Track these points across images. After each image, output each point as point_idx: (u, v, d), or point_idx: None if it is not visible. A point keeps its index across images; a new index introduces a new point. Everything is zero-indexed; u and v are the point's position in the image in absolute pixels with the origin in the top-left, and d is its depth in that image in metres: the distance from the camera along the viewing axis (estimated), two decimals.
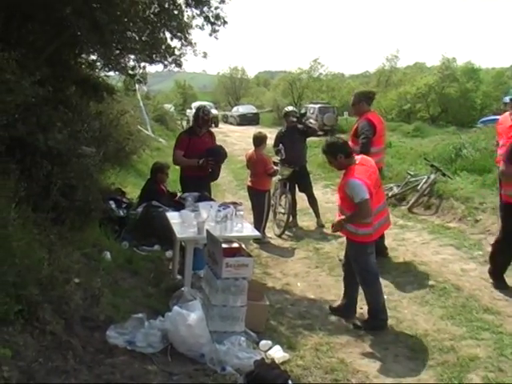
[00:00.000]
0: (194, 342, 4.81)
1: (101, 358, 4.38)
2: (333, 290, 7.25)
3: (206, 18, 9.79)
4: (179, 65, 10.49)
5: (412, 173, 12.75)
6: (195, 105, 51.85)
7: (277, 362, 4.99)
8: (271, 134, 11.52)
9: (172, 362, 4.67)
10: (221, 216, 6.31)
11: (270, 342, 5.49)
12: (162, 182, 9.19)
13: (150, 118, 28.03)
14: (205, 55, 10.61)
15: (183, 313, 4.86)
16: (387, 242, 8.46)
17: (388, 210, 6.70)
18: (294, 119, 10.69)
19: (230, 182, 16.54)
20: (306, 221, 10.87)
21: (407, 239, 9.43)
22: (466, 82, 41.94)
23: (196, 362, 4.75)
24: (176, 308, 4.98)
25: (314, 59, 57.60)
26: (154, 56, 10.01)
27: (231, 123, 51.18)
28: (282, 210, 10.37)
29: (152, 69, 12.02)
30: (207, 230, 5.84)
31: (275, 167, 9.57)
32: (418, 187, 11.77)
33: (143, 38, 9.36)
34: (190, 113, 45.02)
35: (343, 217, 6.06)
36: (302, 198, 11.00)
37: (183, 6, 9.55)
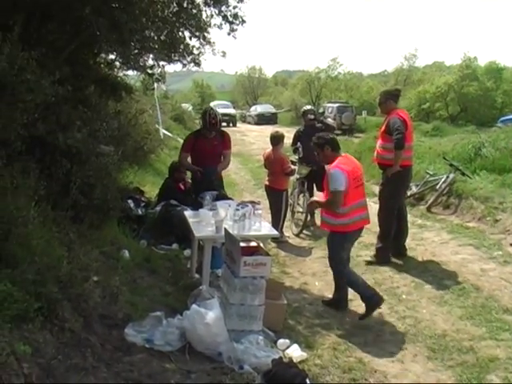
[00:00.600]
0: (211, 340, 4.81)
1: (119, 355, 4.40)
2: (350, 290, 7.22)
3: (225, 17, 9.77)
4: (198, 64, 10.47)
5: (431, 172, 12.66)
6: (213, 104, 52.00)
7: (294, 360, 4.99)
8: (289, 134, 11.50)
9: (190, 361, 4.69)
10: (239, 215, 6.31)
11: (287, 341, 5.49)
12: (179, 181, 9.22)
13: (168, 118, 28.07)
14: (223, 54, 10.60)
15: (201, 311, 4.86)
16: (406, 242, 8.44)
17: (368, 207, 6.84)
18: (312, 116, 10.68)
19: (248, 181, 16.55)
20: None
21: (426, 239, 9.39)
22: (486, 81, 41.63)
23: (214, 361, 4.76)
24: (194, 306, 4.99)
25: (333, 58, 57.63)
26: (172, 55, 10.00)
27: (249, 122, 51.24)
28: (300, 209, 10.36)
29: (170, 68, 12.06)
30: (225, 229, 5.85)
31: (293, 166, 9.56)
32: (437, 186, 11.70)
33: (162, 37, 9.36)
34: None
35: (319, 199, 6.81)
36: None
37: (202, 5, 9.53)
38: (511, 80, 43.69)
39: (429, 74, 51.16)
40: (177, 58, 10.20)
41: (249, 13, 9.93)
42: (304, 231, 10.07)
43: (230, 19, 9.78)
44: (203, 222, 6.70)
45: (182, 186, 9.24)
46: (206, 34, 9.90)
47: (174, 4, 9.03)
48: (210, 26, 9.90)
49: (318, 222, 10.63)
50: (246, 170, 18.76)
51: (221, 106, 50.80)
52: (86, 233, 6.17)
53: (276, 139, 9.51)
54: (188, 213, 7.28)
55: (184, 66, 10.53)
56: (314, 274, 7.83)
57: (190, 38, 9.90)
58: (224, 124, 45.00)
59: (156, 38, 9.33)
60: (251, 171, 18.29)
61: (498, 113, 37.62)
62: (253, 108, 54.98)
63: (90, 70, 9.73)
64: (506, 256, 8.17)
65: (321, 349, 5.54)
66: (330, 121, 34.06)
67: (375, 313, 6.45)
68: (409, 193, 11.75)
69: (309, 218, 10.29)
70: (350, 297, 6.95)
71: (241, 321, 5.18)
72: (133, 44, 9.14)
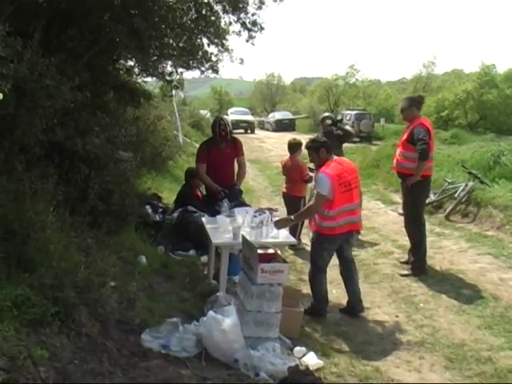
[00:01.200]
0: (228, 347, 4.80)
1: (135, 361, 4.40)
2: (368, 297, 7.19)
3: (243, 25, 9.80)
4: (216, 71, 10.50)
5: (449, 180, 12.61)
6: (231, 111, 52.34)
7: (311, 368, 4.98)
8: (307, 141, 11.49)
9: (206, 367, 4.67)
10: (256, 222, 6.31)
11: (304, 349, 5.45)
12: (197, 187, 9.23)
13: (186, 124, 28.19)
14: (241, 61, 10.62)
15: (218, 318, 4.86)
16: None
17: (357, 211, 6.87)
18: (330, 121, 10.65)
19: (266, 188, 16.55)
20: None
21: (444, 247, 9.32)
22: (506, 89, 41.40)
23: (230, 367, 4.74)
24: (211, 313, 4.99)
25: (351, 65, 57.75)
26: (191, 62, 10.03)
27: (267, 129, 51.37)
28: None
29: (189, 75, 12.10)
30: (243, 236, 5.85)
31: (311, 173, 9.54)
32: (456, 195, 11.63)
33: (180, 44, 9.39)
34: (227, 119, 45.23)
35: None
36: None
37: (220, 13, 9.56)
38: None
39: (447, 81, 51.06)
40: (195, 65, 10.23)
41: (267, 19, 9.96)
42: None
43: (249, 26, 9.81)
44: (221, 229, 6.71)
45: (199, 193, 9.26)
46: (224, 41, 9.93)
47: (193, 11, 9.05)
48: (228, 33, 9.94)
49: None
50: (264, 177, 18.77)
51: (239, 113, 51.12)
52: (103, 238, 6.19)
53: (294, 146, 9.51)
54: (205, 219, 7.29)
55: (202, 72, 10.56)
56: (331, 282, 7.77)
57: (209, 45, 9.93)
58: (242, 131, 45.45)
59: (175, 44, 9.36)
60: (269, 178, 18.30)
61: None
62: (271, 115, 55.11)
63: (109, 77, 9.80)
64: None
65: (337, 357, 5.50)
66: (348, 128, 34.17)
67: (392, 321, 6.44)
68: (427, 201, 11.70)
69: None
70: (367, 305, 6.94)
71: (257, 328, 5.16)
72: (152, 51, 9.18)
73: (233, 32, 9.97)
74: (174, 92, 14.96)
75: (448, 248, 9.29)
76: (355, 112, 37.48)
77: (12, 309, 3.74)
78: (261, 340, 5.13)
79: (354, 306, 6.77)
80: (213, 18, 9.34)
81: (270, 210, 6.76)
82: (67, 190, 5.74)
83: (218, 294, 5.91)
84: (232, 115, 49.46)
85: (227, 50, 10.14)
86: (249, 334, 5.08)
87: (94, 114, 7.41)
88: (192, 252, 8.10)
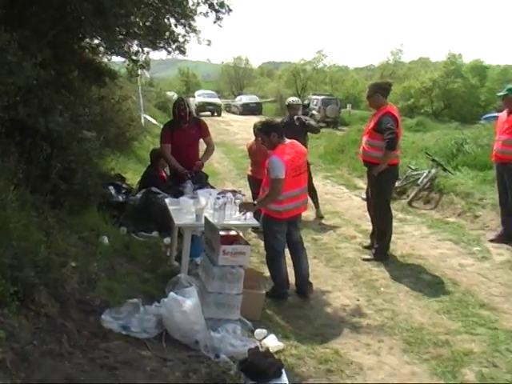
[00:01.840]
0: (188, 328, 4.80)
1: (95, 342, 4.36)
2: (329, 281, 7.26)
3: (211, 5, 9.73)
4: (183, 52, 10.42)
5: (413, 167, 12.74)
6: (198, 93, 52.16)
7: (271, 350, 5.00)
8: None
9: (166, 348, 4.66)
10: (219, 203, 6.30)
11: (265, 331, 5.49)
12: (162, 169, 9.18)
13: (153, 105, 27.96)
14: (209, 43, 10.57)
15: (179, 299, 4.84)
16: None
17: (304, 195, 6.86)
18: (299, 116, 10.59)
19: (231, 171, 16.52)
20: (306, 211, 10.85)
21: (406, 233, 9.43)
22: (471, 78, 41.91)
23: (190, 349, 4.74)
24: (172, 294, 4.97)
25: (318, 51, 57.69)
26: (157, 42, 9.94)
27: (234, 112, 51.28)
28: None
29: (156, 56, 12.00)
30: (205, 217, 5.84)
31: None
32: (419, 181, 11.76)
33: (147, 24, 9.30)
34: (193, 101, 45.04)
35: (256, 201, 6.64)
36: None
37: None
38: (495, 78, 44.06)
39: (414, 69, 51.36)
40: (162, 45, 10.15)
41: (236, 2, 9.92)
42: None
43: (217, 7, 9.75)
44: (183, 210, 6.69)
45: (164, 174, 9.20)
46: (191, 22, 9.87)
47: None
48: (195, 13, 9.87)
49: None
50: (229, 160, 18.74)
51: (206, 95, 50.94)
52: (65, 218, 6.12)
53: None
54: (168, 200, 7.24)
55: (169, 53, 10.48)
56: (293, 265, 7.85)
57: (176, 26, 9.86)
58: (208, 113, 45.24)
59: (141, 24, 9.27)
60: (234, 161, 18.27)
61: (482, 110, 37.95)
62: (238, 98, 55.02)
63: (74, 55, 9.65)
64: (484, 252, 8.24)
65: (298, 339, 5.55)
66: (315, 113, 34.32)
67: (353, 305, 6.51)
68: None
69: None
70: (328, 288, 7.00)
71: (218, 309, 5.18)
72: (117, 29, 9.08)
73: (200, 13, 9.91)
74: (140, 72, 14.83)
75: (410, 234, 9.39)
76: (322, 97, 37.52)
77: None
78: (221, 322, 5.15)
79: (303, 288, 6.83)
80: None
81: (234, 192, 6.73)
82: (28, 168, 5.64)
83: (179, 275, 5.90)
84: (199, 97, 49.33)
85: (194, 30, 10.07)
86: (210, 315, 5.09)
87: (58, 93, 7.29)
88: (155, 233, 8.06)
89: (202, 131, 8.24)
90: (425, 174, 11.80)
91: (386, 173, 7.66)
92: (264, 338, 5.38)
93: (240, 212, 6.43)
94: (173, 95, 40.85)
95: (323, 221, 10.33)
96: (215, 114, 46.98)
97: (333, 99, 37.84)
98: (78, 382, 3.53)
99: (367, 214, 8.63)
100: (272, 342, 5.28)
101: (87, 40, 10.52)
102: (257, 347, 4.83)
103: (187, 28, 9.94)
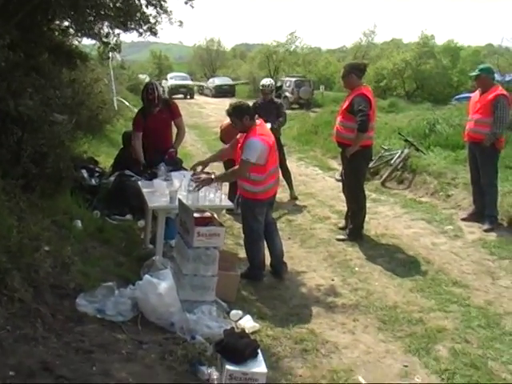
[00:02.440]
0: (164, 310, 4.80)
1: (70, 326, 4.34)
2: (304, 262, 7.30)
3: None
4: (154, 33, 10.30)
5: (386, 147, 12.81)
6: (170, 76, 51.89)
7: (247, 331, 5.03)
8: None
9: (142, 331, 4.66)
10: (193, 185, 6.27)
11: (240, 312, 5.52)
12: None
13: (125, 88, 27.70)
14: (180, 24, 10.45)
15: (154, 281, 4.84)
16: None
17: (278, 173, 7.01)
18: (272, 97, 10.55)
19: (205, 154, 16.36)
20: (280, 193, 10.85)
21: (379, 213, 9.50)
22: (443, 59, 42.11)
23: (166, 331, 4.75)
24: (147, 277, 4.96)
25: (291, 32, 57.49)
26: (128, 23, 9.79)
27: (206, 95, 51.07)
28: None
29: (127, 38, 11.85)
30: (179, 200, 5.82)
31: None
32: (392, 161, 11.84)
33: (117, 5, 9.17)
34: (166, 83, 44.70)
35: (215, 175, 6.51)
36: None
37: None
38: (467, 59, 44.31)
39: (387, 50, 51.38)
40: (133, 27, 10.01)
41: None
42: None
43: None
44: (157, 193, 6.65)
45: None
46: (162, 3, 9.75)
47: None
48: None
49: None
50: (203, 142, 18.67)
51: (178, 78, 50.66)
52: (37, 202, 6.05)
53: None
54: (142, 183, 7.19)
55: (140, 34, 10.34)
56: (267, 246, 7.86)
57: (147, 6, 9.73)
58: (181, 96, 44.97)
59: (111, 5, 9.15)
60: (207, 143, 18.20)
61: (454, 91, 38.11)
62: (210, 80, 54.70)
63: (44, 37, 9.50)
64: (456, 230, 8.34)
65: (273, 320, 5.59)
66: (288, 95, 34.38)
67: (327, 285, 6.55)
68: None
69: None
70: (303, 269, 7.04)
71: (194, 291, 5.17)
72: (87, 11, 8.94)
73: None
74: (111, 55, 14.67)
75: (383, 214, 9.47)
76: (295, 79, 37.48)
77: None
78: (197, 303, 5.14)
79: (278, 268, 6.88)
80: None
81: (208, 174, 6.70)
82: None
83: (154, 257, 5.90)
84: (171, 80, 49.02)
85: (166, 11, 9.95)
86: (185, 297, 5.09)
87: (28, 75, 7.17)
88: (129, 216, 8.02)
89: (173, 113, 8.13)
90: (398, 155, 11.87)
91: (358, 154, 7.66)
92: (239, 319, 5.41)
93: (197, 188, 6.33)
94: (145, 78, 40.51)
95: (297, 202, 10.36)
96: (188, 97, 46.72)
97: (306, 81, 37.82)
98: (54, 367, 3.52)
99: (341, 194, 8.68)
100: (248, 323, 5.31)
101: (57, 22, 10.35)
102: (232, 328, 4.83)
103: (158, 9, 9.82)
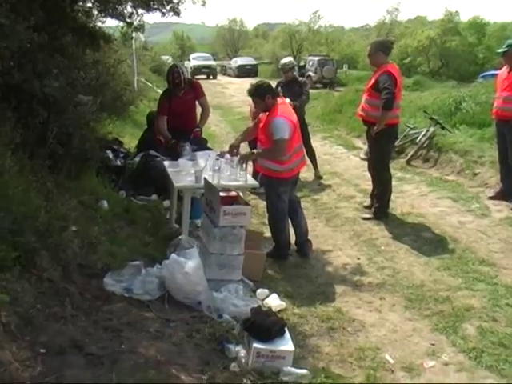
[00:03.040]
0: (190, 289, 4.82)
1: (98, 304, 4.39)
2: (330, 240, 7.29)
3: None
4: (177, 13, 10.23)
5: (411, 126, 12.68)
6: (193, 56, 51.81)
7: (273, 310, 5.03)
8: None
9: (169, 309, 4.70)
10: (218, 165, 6.27)
11: (266, 291, 5.54)
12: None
13: (148, 69, 27.74)
14: (203, 3, 10.39)
15: (180, 260, 4.85)
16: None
17: (303, 150, 7.04)
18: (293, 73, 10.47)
19: (228, 134, 16.44)
20: (304, 172, 10.83)
21: (405, 191, 9.43)
22: (468, 36, 41.55)
23: (193, 310, 4.78)
24: (173, 256, 4.98)
25: (314, 11, 57.30)
26: (151, 3, 9.76)
27: (229, 75, 51.04)
28: None
29: (150, 19, 11.79)
30: (205, 179, 5.83)
31: None
32: (417, 140, 11.73)
33: None
34: (188, 64, 44.67)
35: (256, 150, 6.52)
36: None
37: None
38: (493, 35, 43.62)
39: (411, 28, 50.84)
40: (156, 7, 9.95)
41: None
42: None
43: None
44: (183, 172, 6.67)
45: (162, 138, 9.14)
46: None
47: None
48: None
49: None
50: (226, 123, 18.66)
51: (201, 58, 50.61)
52: (63, 182, 6.08)
53: None
54: (167, 163, 7.21)
55: (163, 14, 10.28)
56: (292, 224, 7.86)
57: None
58: (204, 76, 44.95)
59: None
60: (231, 123, 18.19)
61: (480, 68, 37.59)
62: (233, 60, 54.59)
63: (67, 19, 9.47)
64: (483, 209, 8.25)
65: (299, 298, 5.60)
66: (311, 74, 34.21)
67: (353, 263, 6.54)
68: None
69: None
70: (329, 248, 7.03)
71: (220, 270, 5.20)
72: None
73: None
74: (134, 35, 14.65)
75: (409, 192, 9.40)
76: (318, 58, 37.29)
77: None
78: (223, 282, 5.18)
79: (303, 246, 6.89)
80: None
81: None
82: (26, 133, 5.59)
83: (180, 237, 5.91)
84: (194, 60, 49.00)
85: None
86: (211, 276, 5.11)
87: (52, 57, 7.18)
88: (154, 196, 8.03)
89: (197, 93, 8.13)
90: (423, 133, 11.75)
91: (384, 133, 7.56)
92: (266, 297, 5.43)
93: (240, 162, 6.37)
94: (168, 59, 40.52)
95: (322, 181, 10.33)
96: (211, 77, 46.76)
97: (329, 60, 37.64)
98: (83, 344, 3.56)
99: (366, 173, 8.62)
100: (274, 302, 5.32)
101: (80, 3, 10.35)
102: (259, 306, 4.86)
103: None
